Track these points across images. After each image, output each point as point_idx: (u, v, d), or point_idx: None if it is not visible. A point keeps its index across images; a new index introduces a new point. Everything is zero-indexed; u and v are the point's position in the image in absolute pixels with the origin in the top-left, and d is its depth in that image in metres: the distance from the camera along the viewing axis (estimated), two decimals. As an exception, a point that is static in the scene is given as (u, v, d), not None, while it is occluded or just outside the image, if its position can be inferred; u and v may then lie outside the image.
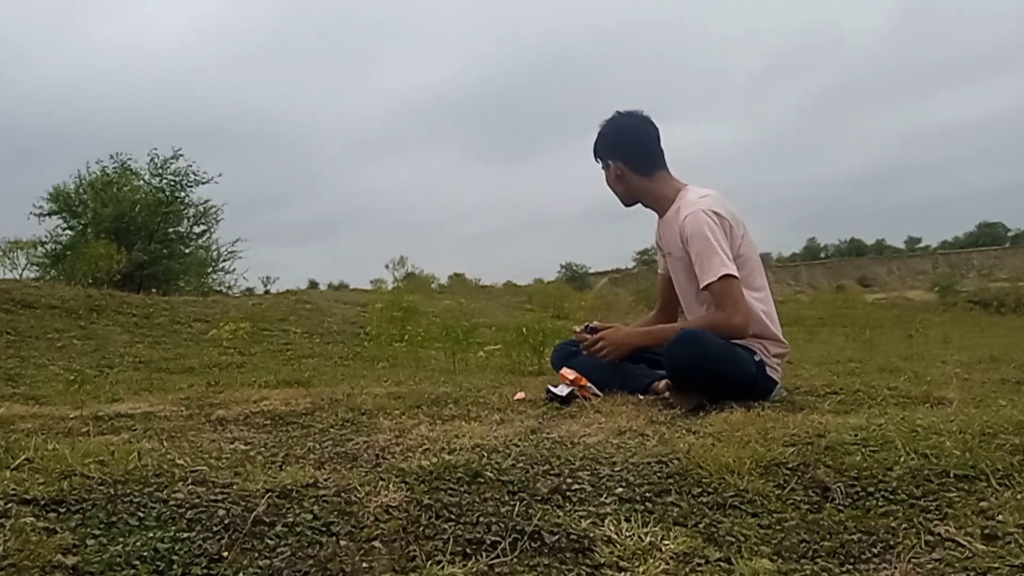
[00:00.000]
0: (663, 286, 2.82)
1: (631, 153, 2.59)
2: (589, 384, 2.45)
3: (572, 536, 1.28)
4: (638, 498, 1.44)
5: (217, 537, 1.22)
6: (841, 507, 1.42)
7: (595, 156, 2.67)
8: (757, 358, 2.40)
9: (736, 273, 2.38)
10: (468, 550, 1.24)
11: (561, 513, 1.37)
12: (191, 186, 14.53)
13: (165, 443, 1.78)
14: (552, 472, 1.55)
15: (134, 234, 13.23)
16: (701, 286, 2.40)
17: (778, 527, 1.35)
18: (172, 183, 14.40)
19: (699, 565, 1.21)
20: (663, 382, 2.41)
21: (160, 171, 14.36)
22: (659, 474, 1.54)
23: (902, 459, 1.54)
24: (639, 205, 2.68)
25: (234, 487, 1.38)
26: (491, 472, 1.52)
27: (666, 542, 1.26)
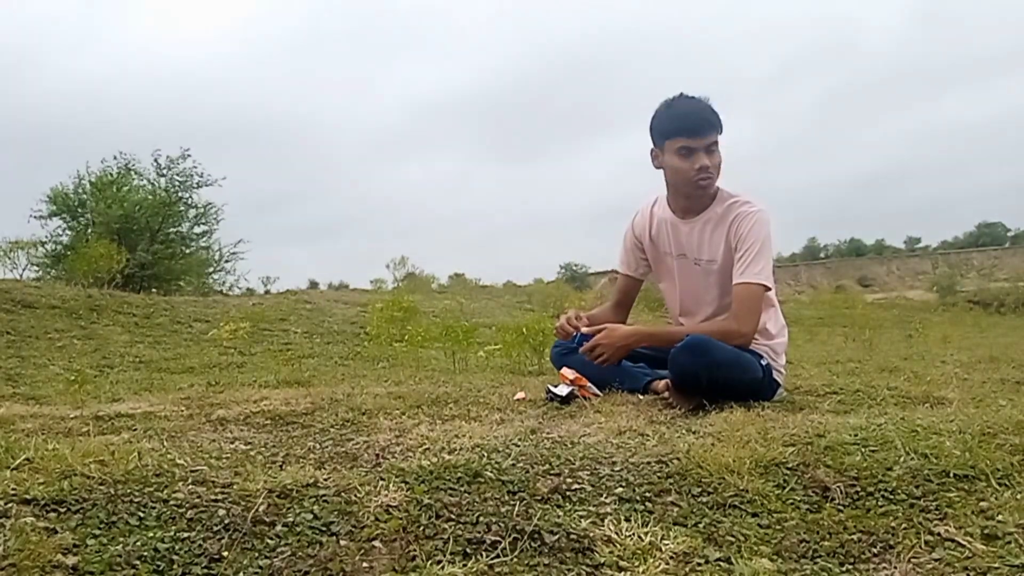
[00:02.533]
0: (626, 287, 2.79)
1: None
2: (589, 384, 2.45)
3: (572, 536, 1.28)
4: (638, 498, 1.44)
5: (217, 537, 1.22)
6: (841, 507, 1.42)
7: (718, 128, 2.46)
8: (764, 362, 2.39)
9: (772, 287, 2.38)
10: (468, 550, 1.24)
11: (561, 513, 1.37)
12: (196, 188, 14.54)
13: (165, 443, 1.78)
14: (552, 472, 1.55)
15: (137, 235, 13.24)
16: (736, 281, 2.39)
17: (778, 527, 1.35)
18: (177, 184, 14.41)
19: (699, 565, 1.21)
20: (663, 382, 2.41)
21: (165, 171, 14.37)
22: (659, 474, 1.54)
23: (902, 459, 1.55)
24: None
25: (234, 487, 1.38)
26: (491, 472, 1.52)
27: (666, 542, 1.26)
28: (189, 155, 14.27)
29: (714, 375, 2.20)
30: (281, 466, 1.57)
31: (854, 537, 1.31)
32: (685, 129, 2.42)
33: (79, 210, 14.05)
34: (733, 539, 1.30)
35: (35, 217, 13.79)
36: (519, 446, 1.73)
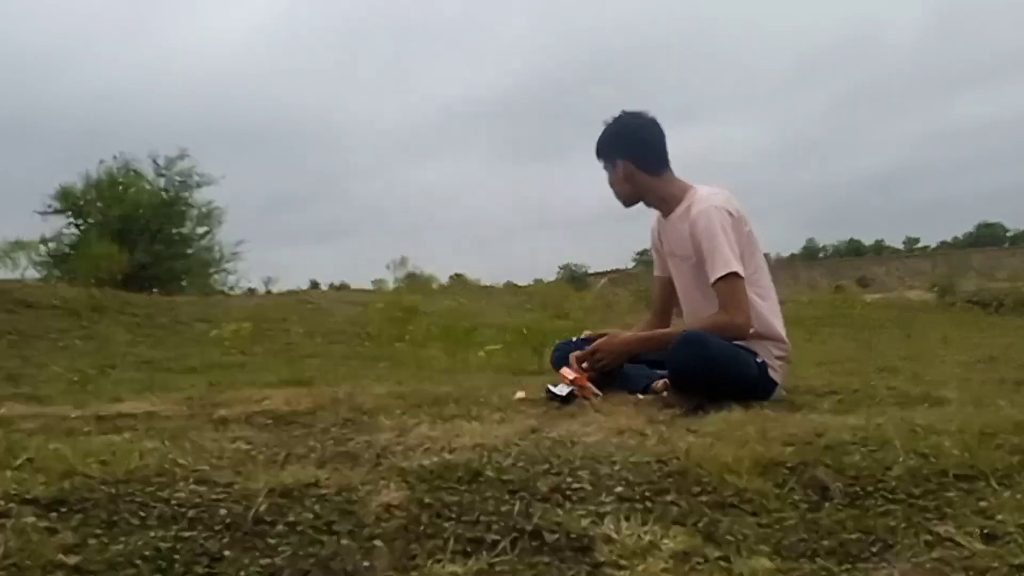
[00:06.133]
0: (660, 289, 2.83)
1: (640, 152, 2.59)
2: (589, 384, 2.45)
3: (572, 535, 1.29)
4: (638, 497, 1.45)
5: (219, 536, 1.22)
6: (840, 506, 1.42)
7: (599, 155, 2.66)
8: (759, 359, 2.40)
9: (743, 273, 2.39)
10: (469, 549, 1.24)
11: (561, 512, 1.37)
12: (196, 187, 14.55)
13: (167, 443, 1.78)
14: (552, 471, 1.55)
15: (138, 235, 13.25)
16: (711, 282, 2.41)
17: (777, 526, 1.36)
18: (177, 184, 14.42)
19: (698, 564, 1.21)
20: (661, 382, 2.42)
21: (164, 172, 14.37)
22: (659, 473, 1.54)
23: (901, 459, 1.55)
24: (637, 206, 2.69)
25: (236, 486, 1.39)
26: (491, 471, 1.52)
27: (665, 541, 1.27)
28: (187, 155, 14.28)
29: (710, 369, 2.21)
30: (282, 466, 1.57)
31: (853, 537, 1.32)
32: None
33: (85, 209, 14.06)
34: (733, 538, 1.30)
35: (40, 213, 13.80)
36: (519, 446, 1.73)
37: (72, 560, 1.12)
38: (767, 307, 2.49)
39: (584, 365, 2.53)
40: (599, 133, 2.66)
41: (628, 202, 2.67)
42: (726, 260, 2.37)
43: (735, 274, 2.38)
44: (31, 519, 1.21)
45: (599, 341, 2.55)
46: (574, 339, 2.74)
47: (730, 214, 2.44)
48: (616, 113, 2.64)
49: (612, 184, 2.66)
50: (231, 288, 15.71)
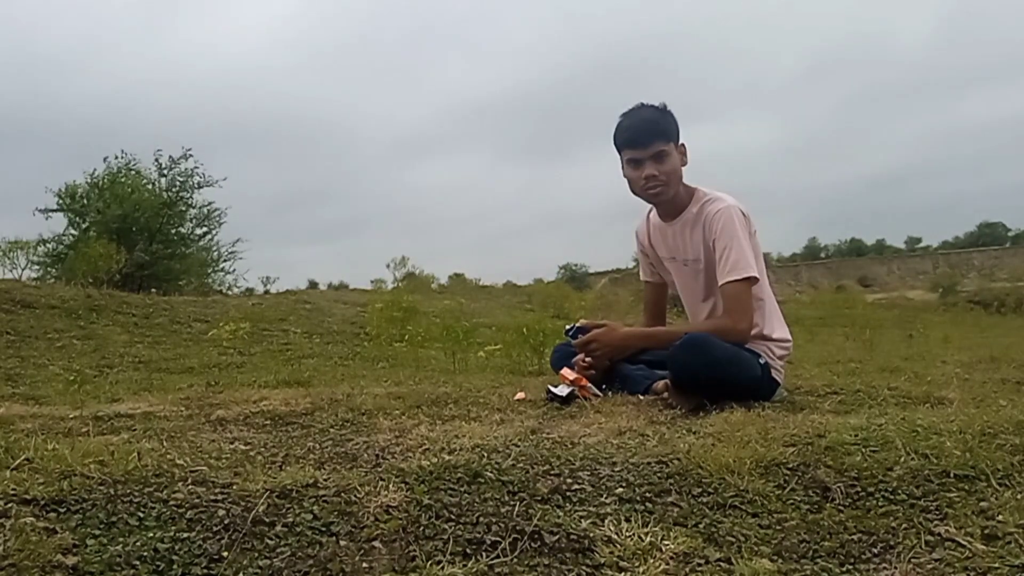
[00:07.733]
0: (652, 294, 2.81)
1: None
2: (589, 384, 2.45)
3: (572, 536, 1.28)
4: (638, 498, 1.44)
5: (217, 537, 1.22)
6: (841, 507, 1.42)
7: (664, 136, 2.47)
8: (762, 361, 2.40)
9: (758, 277, 2.38)
10: (468, 550, 1.24)
11: (561, 513, 1.37)
12: (197, 188, 14.53)
13: (165, 443, 1.78)
14: (552, 472, 1.55)
15: (137, 234, 13.23)
16: (721, 282, 2.40)
17: (778, 527, 1.35)
18: (178, 184, 14.40)
19: (699, 565, 1.21)
20: (662, 382, 2.41)
21: (166, 172, 14.36)
22: (659, 474, 1.54)
23: (902, 459, 1.54)
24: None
25: (234, 487, 1.38)
26: (491, 472, 1.52)
27: (666, 542, 1.26)
28: (191, 155, 14.26)
29: (713, 373, 2.20)
30: (281, 466, 1.57)
31: (854, 537, 1.31)
32: (629, 141, 2.51)
33: (84, 208, 14.04)
34: (733, 539, 1.30)
35: (39, 211, 13.75)
36: (519, 446, 1.73)
37: (70, 560, 1.11)
38: (769, 308, 2.49)
39: (581, 356, 2.52)
40: (649, 114, 2.50)
41: (669, 190, 2.49)
42: (745, 263, 2.37)
43: (751, 278, 2.37)
44: (29, 519, 1.20)
45: (597, 332, 2.53)
46: (567, 327, 2.72)
47: (744, 215, 2.44)
48: (636, 105, 2.54)
49: (668, 169, 2.47)
50: (229, 288, 15.70)
